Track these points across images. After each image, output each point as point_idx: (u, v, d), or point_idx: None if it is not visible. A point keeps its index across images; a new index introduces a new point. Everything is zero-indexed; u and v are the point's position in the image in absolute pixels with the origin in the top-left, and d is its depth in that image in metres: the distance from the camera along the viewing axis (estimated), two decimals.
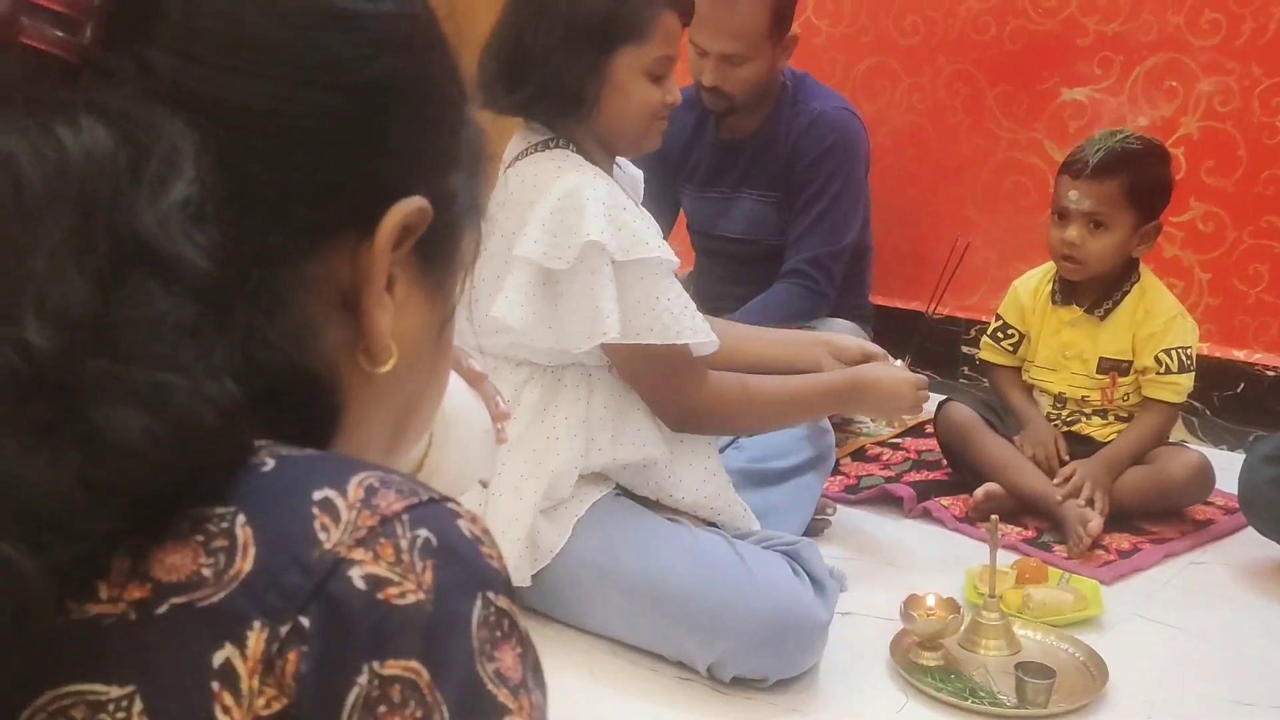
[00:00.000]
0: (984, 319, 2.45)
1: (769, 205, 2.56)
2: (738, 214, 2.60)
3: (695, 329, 1.63)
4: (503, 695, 0.45)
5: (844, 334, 2.05)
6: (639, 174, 1.88)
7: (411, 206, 0.53)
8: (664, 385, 1.68)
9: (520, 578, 1.64)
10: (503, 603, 0.47)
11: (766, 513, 1.87)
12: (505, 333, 1.61)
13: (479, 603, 0.46)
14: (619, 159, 1.79)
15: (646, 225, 1.61)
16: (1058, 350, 2.30)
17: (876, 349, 1.94)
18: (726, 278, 2.62)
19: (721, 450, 1.89)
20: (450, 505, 0.48)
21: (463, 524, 0.47)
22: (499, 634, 0.46)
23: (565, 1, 1.60)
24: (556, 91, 1.62)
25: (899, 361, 1.93)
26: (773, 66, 2.45)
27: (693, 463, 1.74)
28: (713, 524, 1.77)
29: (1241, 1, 2.48)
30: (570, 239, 1.55)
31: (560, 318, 1.60)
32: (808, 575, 1.71)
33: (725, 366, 1.77)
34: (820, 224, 2.49)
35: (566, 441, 1.65)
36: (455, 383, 0.77)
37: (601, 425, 1.68)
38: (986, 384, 2.48)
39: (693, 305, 1.65)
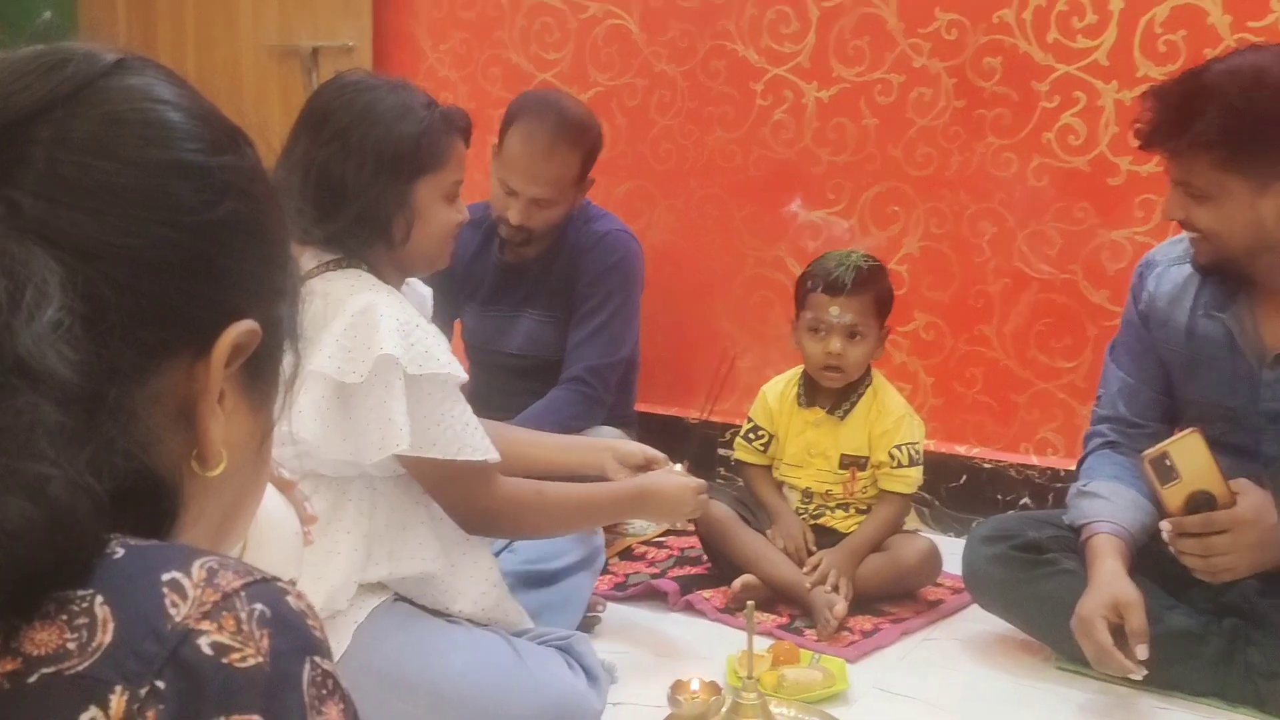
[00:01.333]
0: (738, 422, 2.64)
1: (549, 324, 2.70)
2: (518, 332, 2.72)
3: (475, 446, 1.70)
4: None
5: (627, 442, 2.18)
6: (428, 292, 1.96)
7: (243, 328, 0.62)
8: (454, 492, 1.74)
9: None
10: (327, 665, 0.56)
11: (541, 611, 1.97)
12: (293, 445, 1.66)
13: (308, 665, 0.55)
14: (409, 278, 1.87)
15: (438, 341, 1.69)
16: (804, 449, 2.51)
17: (657, 454, 2.07)
18: (504, 389, 2.71)
19: (496, 554, 1.98)
20: (280, 583, 0.57)
21: (291, 599, 0.57)
22: (324, 692, 0.56)
23: (372, 135, 1.68)
24: (370, 222, 1.70)
25: (678, 466, 2.08)
26: (573, 205, 2.62)
27: (473, 574, 1.79)
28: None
29: (950, 137, 2.82)
30: (364, 354, 1.62)
31: (354, 429, 1.65)
32: (581, 668, 1.81)
33: (513, 471, 1.85)
34: (599, 336, 2.64)
35: (347, 555, 1.69)
36: (268, 489, 0.85)
37: (381, 539, 1.72)
38: (741, 482, 2.67)
39: (474, 421, 1.72)
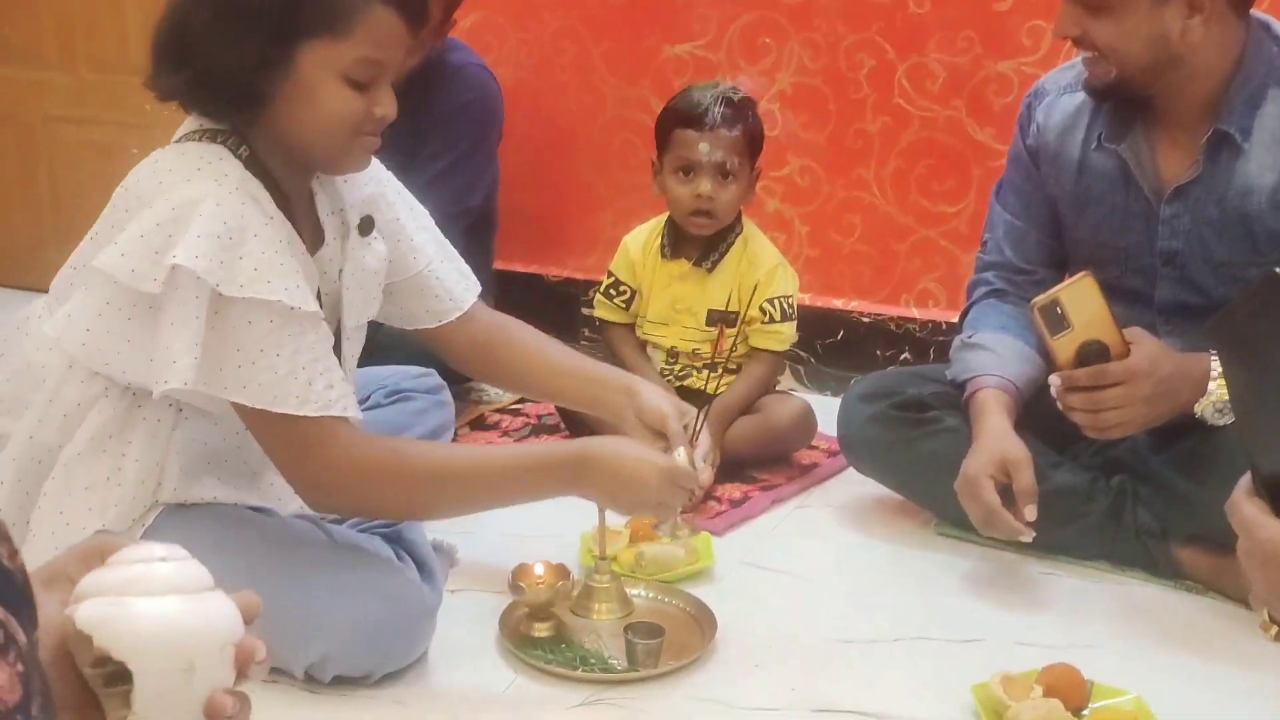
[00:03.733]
0: (601, 279, 2.41)
1: (397, 170, 2.41)
2: None
3: (299, 396, 1.36)
4: None
5: (658, 395, 1.66)
6: (372, 192, 1.60)
7: None
8: (278, 450, 1.43)
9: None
10: None
11: None
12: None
13: None
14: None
15: (279, 264, 1.35)
16: (669, 305, 2.30)
17: (676, 428, 1.58)
18: None
19: None
20: None
21: None
22: None
23: None
24: (218, 80, 1.36)
25: (680, 451, 1.55)
26: (428, 50, 2.31)
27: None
28: None
29: None
30: (165, 259, 1.31)
31: (145, 347, 1.35)
32: (412, 559, 1.59)
33: (511, 386, 1.65)
34: (444, 180, 2.34)
35: (131, 486, 1.42)
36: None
37: (178, 468, 1.45)
38: (604, 344, 2.45)
39: (316, 366, 1.38)
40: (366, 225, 1.59)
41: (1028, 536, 1.72)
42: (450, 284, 1.71)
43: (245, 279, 1.33)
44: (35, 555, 1.37)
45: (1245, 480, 0.67)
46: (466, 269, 1.75)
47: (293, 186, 1.48)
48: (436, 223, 2.33)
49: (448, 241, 1.75)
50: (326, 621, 1.46)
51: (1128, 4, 1.66)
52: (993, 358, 1.89)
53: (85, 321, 1.37)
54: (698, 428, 1.69)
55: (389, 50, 1.40)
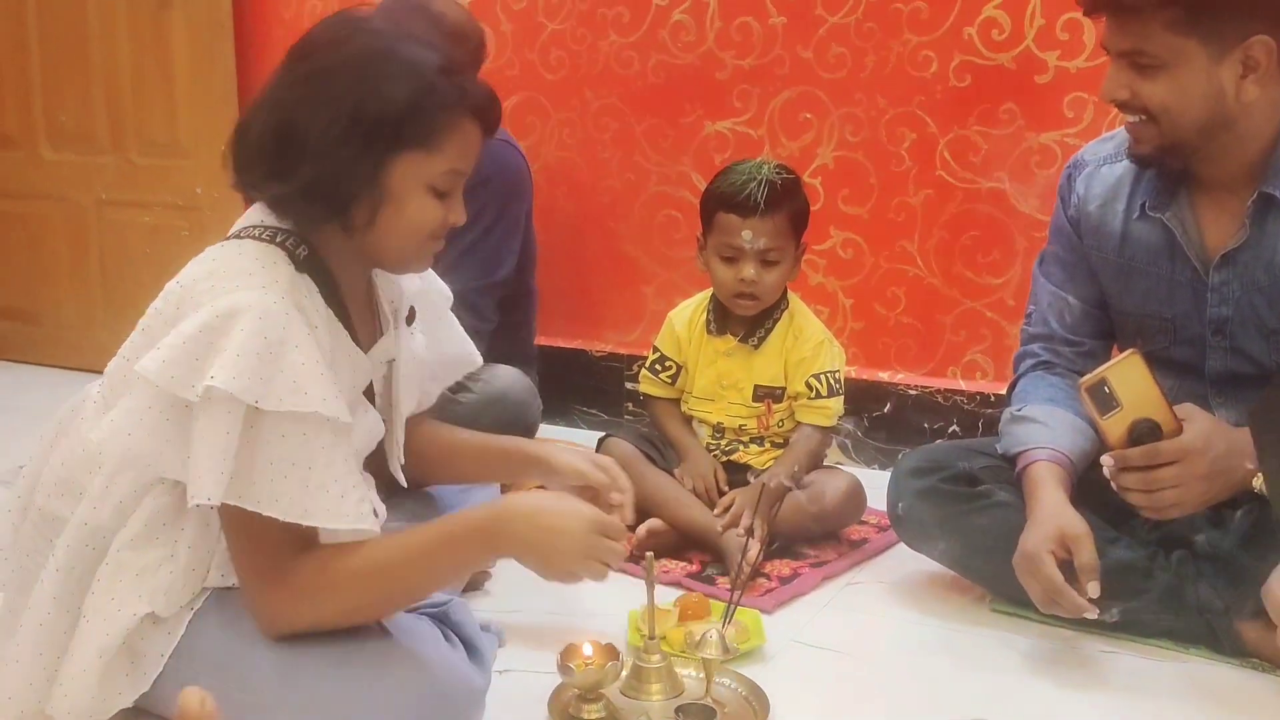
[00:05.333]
0: (645, 353, 2.41)
1: None
2: None
3: (337, 511, 1.34)
4: None
5: (567, 451, 1.71)
6: (411, 285, 1.62)
7: None
8: (257, 567, 1.38)
9: (121, 701, 1.40)
10: None
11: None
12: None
13: None
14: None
15: (318, 374, 1.33)
16: (714, 380, 2.29)
17: (600, 477, 1.63)
18: None
19: None
20: None
21: None
22: None
23: (355, 88, 1.35)
24: (324, 196, 1.37)
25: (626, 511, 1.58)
26: None
27: None
28: None
29: (863, 36, 2.58)
30: (203, 370, 1.30)
31: (178, 450, 1.34)
32: (460, 639, 1.57)
33: (438, 480, 1.61)
34: (470, 256, 2.38)
35: (182, 574, 1.41)
36: None
37: (222, 551, 1.43)
38: (648, 419, 2.45)
39: (359, 485, 1.37)
40: (411, 316, 1.61)
41: (1093, 613, 1.67)
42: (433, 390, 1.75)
43: (284, 392, 1.32)
44: (88, 641, 1.38)
45: None
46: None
47: (352, 281, 1.49)
48: (466, 299, 2.37)
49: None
50: (373, 702, 1.44)
51: (1183, 61, 1.63)
52: (1044, 430, 1.86)
53: (128, 426, 1.37)
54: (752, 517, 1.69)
55: (469, 161, 1.44)
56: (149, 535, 1.42)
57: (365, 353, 1.51)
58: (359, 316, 1.50)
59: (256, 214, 1.45)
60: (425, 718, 1.45)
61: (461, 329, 1.79)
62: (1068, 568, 1.68)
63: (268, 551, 1.37)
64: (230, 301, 1.33)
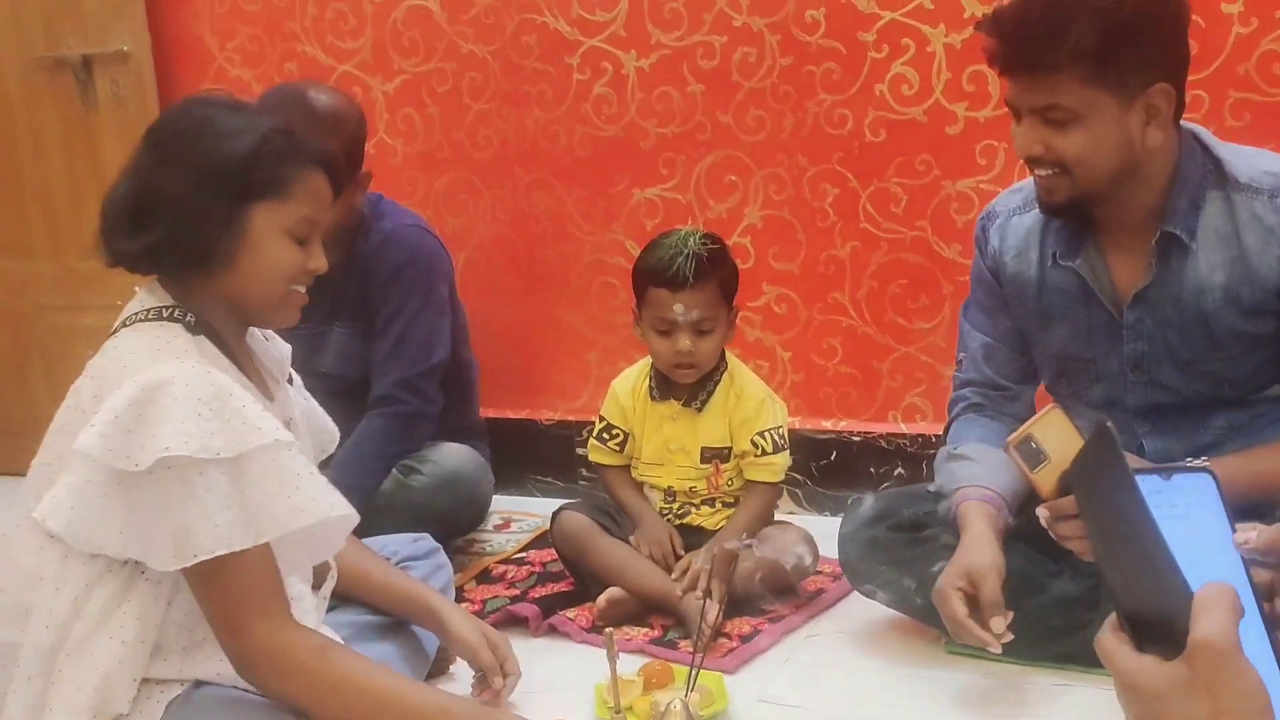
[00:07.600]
0: (593, 419, 2.46)
1: (358, 337, 2.47)
2: (329, 349, 2.47)
3: (320, 499, 1.45)
4: None
5: (464, 625, 1.80)
6: (287, 349, 1.74)
7: None
8: (228, 611, 1.44)
9: None
10: None
11: (387, 662, 1.75)
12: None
13: None
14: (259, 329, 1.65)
15: (258, 409, 1.44)
16: (662, 445, 2.33)
17: (487, 658, 1.76)
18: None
19: (331, 610, 1.75)
20: None
21: None
22: None
23: (197, 147, 1.47)
24: (185, 241, 1.47)
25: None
26: (350, 207, 2.35)
27: None
28: None
29: (780, 98, 2.66)
30: (147, 442, 1.36)
31: (139, 526, 1.39)
32: None
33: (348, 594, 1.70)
34: (403, 344, 2.42)
35: (131, 648, 1.43)
36: None
37: (177, 634, 1.47)
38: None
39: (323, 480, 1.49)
40: (291, 379, 1.73)
41: (995, 648, 1.74)
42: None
43: (243, 434, 1.40)
44: None
45: (1112, 616, 0.71)
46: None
47: (236, 345, 1.57)
48: (409, 385, 2.40)
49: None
50: None
51: (1095, 112, 1.67)
52: (978, 468, 1.92)
53: (68, 501, 1.40)
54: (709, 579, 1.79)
55: (322, 209, 1.55)
56: (103, 620, 1.44)
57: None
58: (252, 378, 1.58)
59: (134, 305, 1.53)
60: None
61: (317, 403, 1.84)
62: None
63: (259, 588, 1.43)
64: (151, 375, 1.40)
